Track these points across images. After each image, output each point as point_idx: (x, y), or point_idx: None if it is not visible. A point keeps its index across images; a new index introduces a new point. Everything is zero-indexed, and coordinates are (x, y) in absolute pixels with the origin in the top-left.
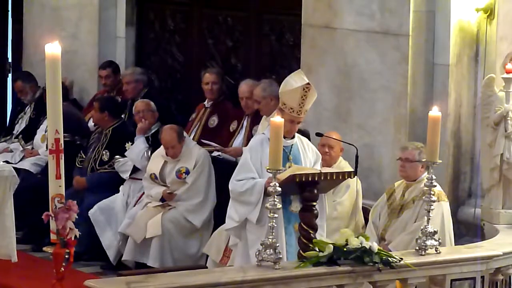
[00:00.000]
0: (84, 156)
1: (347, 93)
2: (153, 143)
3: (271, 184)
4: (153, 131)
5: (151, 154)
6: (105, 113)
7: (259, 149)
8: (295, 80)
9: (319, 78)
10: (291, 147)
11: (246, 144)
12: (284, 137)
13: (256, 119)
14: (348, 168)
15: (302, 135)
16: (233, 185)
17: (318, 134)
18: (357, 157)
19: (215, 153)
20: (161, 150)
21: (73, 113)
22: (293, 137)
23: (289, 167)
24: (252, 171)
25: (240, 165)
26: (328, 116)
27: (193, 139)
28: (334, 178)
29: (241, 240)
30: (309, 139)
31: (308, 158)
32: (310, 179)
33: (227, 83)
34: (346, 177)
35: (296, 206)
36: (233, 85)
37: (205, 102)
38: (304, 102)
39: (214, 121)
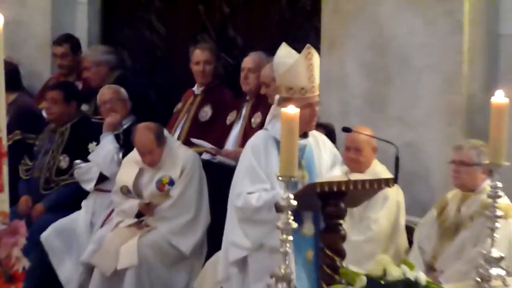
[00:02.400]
0: (30, 163)
1: (382, 74)
2: (125, 143)
3: (284, 196)
4: (124, 127)
5: (122, 157)
6: (73, 104)
7: (262, 151)
8: (287, 56)
9: (344, 55)
10: (304, 150)
11: (243, 138)
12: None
13: (259, 105)
14: (386, 174)
15: (326, 131)
16: (245, 200)
17: (346, 129)
18: (397, 159)
19: (208, 156)
20: (134, 154)
21: (28, 105)
22: (306, 135)
23: (302, 176)
24: (264, 181)
25: (246, 173)
26: (357, 105)
27: (178, 137)
28: (367, 187)
29: (239, 273)
30: (335, 137)
31: (324, 162)
32: (335, 189)
33: (223, 63)
34: (383, 186)
35: (309, 228)
36: (232, 66)
37: (195, 88)
38: (313, 72)
39: (206, 113)
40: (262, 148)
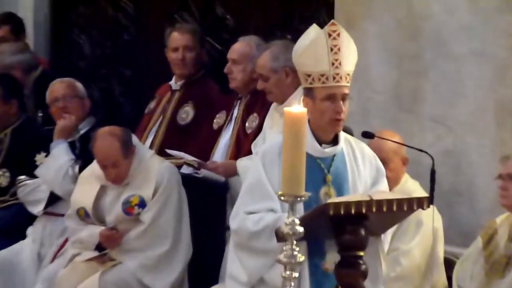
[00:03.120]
0: None
1: (412, 63)
2: (83, 153)
3: (287, 221)
4: (81, 132)
5: (79, 172)
6: (13, 102)
7: (277, 161)
8: (308, 34)
9: (365, 39)
10: (332, 160)
11: (235, 147)
12: (321, 142)
13: (256, 104)
14: (419, 192)
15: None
16: (241, 221)
17: (367, 135)
18: (433, 173)
19: (189, 170)
20: (94, 167)
21: None
22: (335, 140)
23: (326, 194)
24: (272, 198)
25: (249, 187)
26: (380, 103)
27: (151, 145)
28: (395, 209)
29: None
30: None
31: (362, 178)
32: (352, 211)
33: (209, 50)
34: (415, 208)
35: (333, 262)
36: (221, 53)
37: (172, 82)
38: (339, 56)
39: (187, 114)
40: (277, 157)
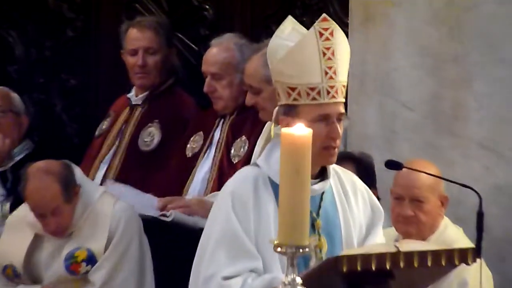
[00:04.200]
0: None
1: (453, 68)
2: (15, 187)
3: (285, 280)
4: (16, 159)
5: (10, 211)
6: None
7: (251, 203)
8: (290, 35)
9: (390, 35)
10: (321, 200)
11: (217, 181)
12: None
13: (244, 124)
14: (462, 241)
15: (356, 167)
16: None
17: (393, 165)
18: (480, 216)
19: (154, 212)
20: (27, 211)
21: None
22: (323, 173)
23: (317, 246)
24: (251, 256)
25: (221, 240)
26: (410, 122)
27: (104, 179)
28: (430, 264)
29: None
30: (372, 177)
31: (356, 221)
32: (373, 267)
33: (181, 50)
34: (456, 262)
35: None
36: (197, 54)
37: (132, 94)
38: (333, 63)
39: (152, 136)
40: (251, 197)
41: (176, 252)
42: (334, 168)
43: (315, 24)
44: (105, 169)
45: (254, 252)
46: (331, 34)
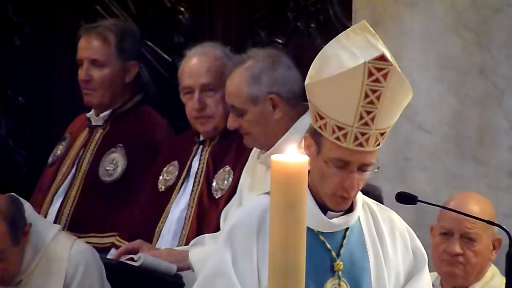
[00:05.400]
0: None
1: (480, 83)
2: None
3: None
4: None
5: None
6: None
7: (253, 237)
8: (347, 50)
9: (403, 41)
10: (344, 238)
11: (196, 220)
12: (326, 209)
13: (227, 151)
14: None
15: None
16: None
17: (404, 198)
18: (510, 257)
19: (119, 256)
20: None
21: None
22: (351, 208)
23: None
24: None
25: (203, 279)
26: (429, 148)
27: (58, 216)
28: None
29: None
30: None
31: (392, 267)
32: None
33: (150, 62)
34: None
35: None
36: (170, 66)
37: (91, 113)
38: (375, 108)
39: (115, 163)
40: (254, 229)
41: None
42: (367, 202)
43: (367, 60)
44: (59, 203)
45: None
46: (384, 76)
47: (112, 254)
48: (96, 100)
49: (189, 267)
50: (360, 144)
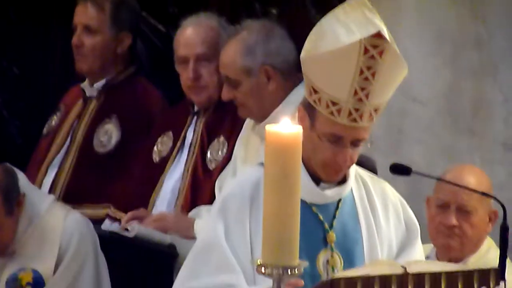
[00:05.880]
0: None
1: (475, 56)
2: None
3: None
4: None
5: None
6: None
7: (246, 208)
8: (344, 25)
9: (397, 13)
10: (337, 209)
11: (190, 190)
12: (319, 180)
13: (221, 122)
14: (508, 269)
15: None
16: None
17: (398, 169)
18: (505, 230)
19: (114, 226)
20: None
21: None
22: (344, 179)
23: (327, 263)
24: (230, 269)
25: (196, 251)
26: (423, 120)
27: (52, 186)
28: (461, 286)
29: None
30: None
31: (385, 238)
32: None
33: (144, 32)
34: (476, 287)
35: None
36: (165, 37)
37: (86, 84)
38: (370, 84)
39: (109, 134)
40: (247, 201)
41: (137, 270)
42: (359, 173)
43: (363, 37)
44: (54, 174)
45: (234, 265)
46: (380, 54)
47: (106, 224)
48: (85, 66)
49: (191, 235)
50: (354, 120)
